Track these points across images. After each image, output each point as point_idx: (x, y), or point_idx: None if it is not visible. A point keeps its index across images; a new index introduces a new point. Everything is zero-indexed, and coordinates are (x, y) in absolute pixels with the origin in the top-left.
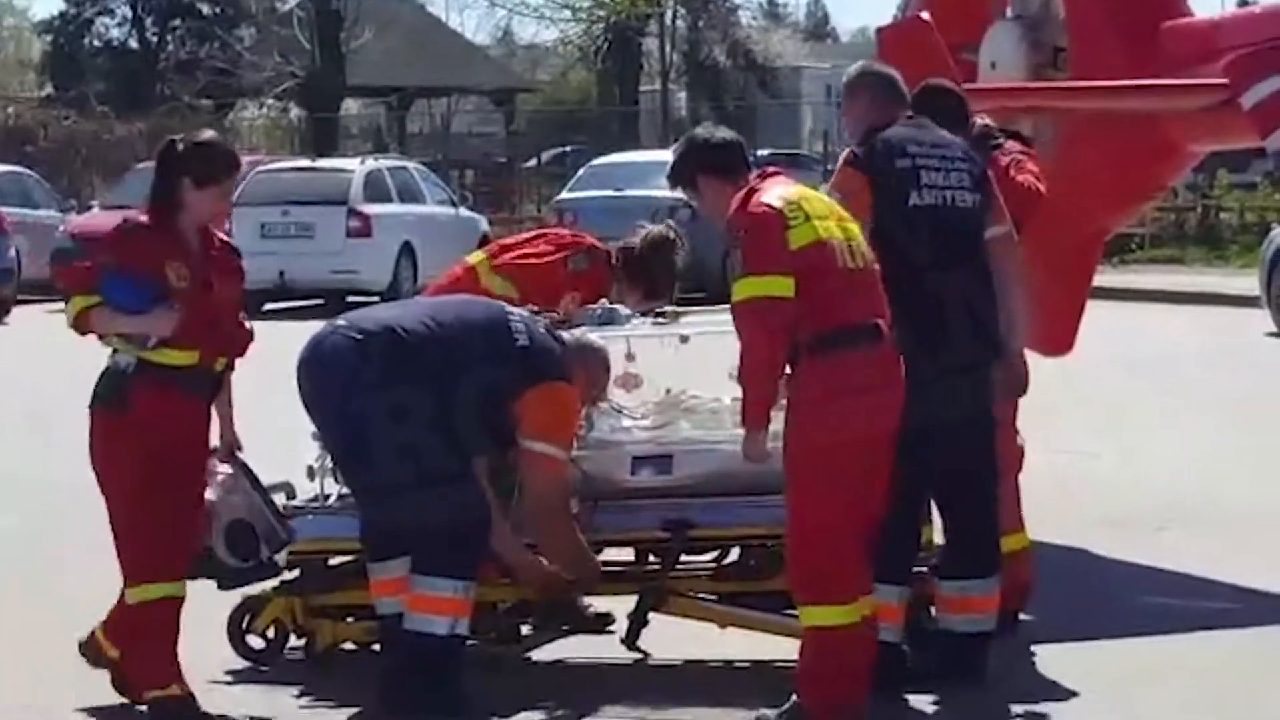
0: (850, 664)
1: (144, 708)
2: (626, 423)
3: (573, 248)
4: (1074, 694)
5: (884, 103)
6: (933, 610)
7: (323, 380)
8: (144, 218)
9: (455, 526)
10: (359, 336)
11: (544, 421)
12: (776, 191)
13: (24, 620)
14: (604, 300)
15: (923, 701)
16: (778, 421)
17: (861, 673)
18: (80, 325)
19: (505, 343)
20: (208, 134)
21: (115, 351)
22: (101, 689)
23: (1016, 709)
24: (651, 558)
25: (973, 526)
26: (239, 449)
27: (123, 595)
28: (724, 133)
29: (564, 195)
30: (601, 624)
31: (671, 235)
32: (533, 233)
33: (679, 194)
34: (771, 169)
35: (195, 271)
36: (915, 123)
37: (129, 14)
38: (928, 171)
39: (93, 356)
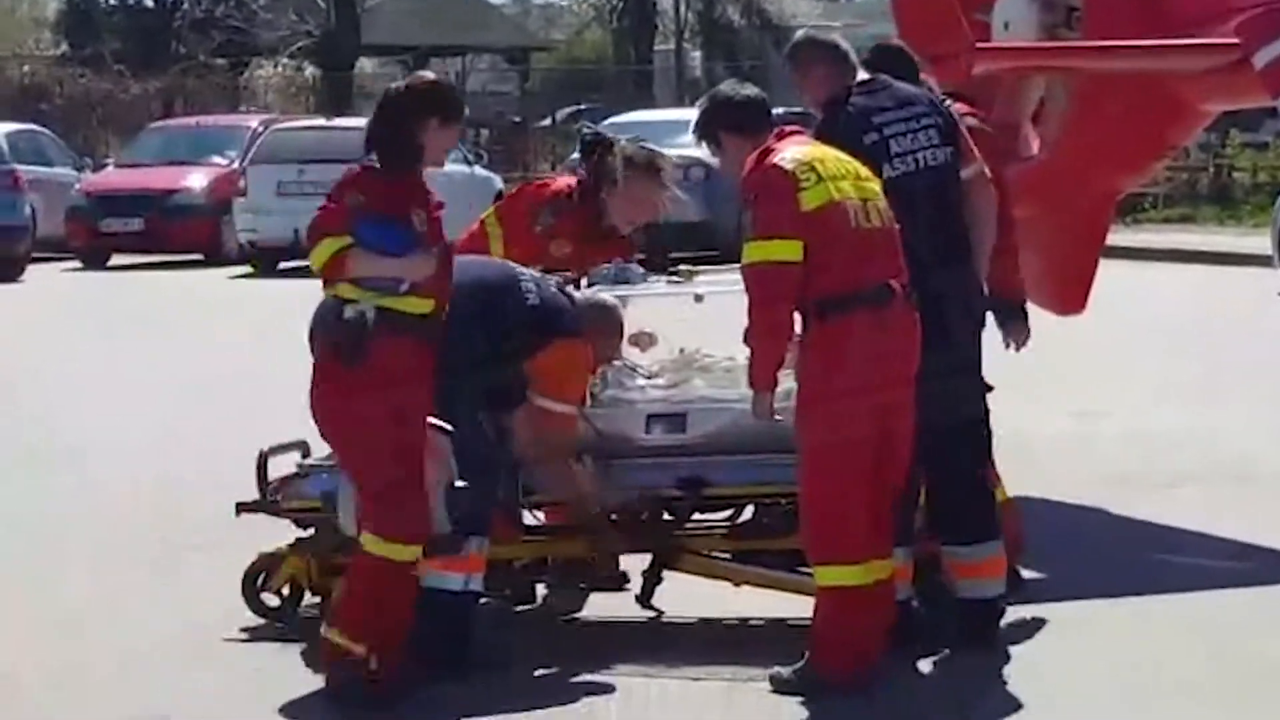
0: (861, 625)
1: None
2: (641, 381)
3: (536, 204)
4: (1081, 652)
5: (839, 70)
6: (941, 574)
7: None
8: (378, 163)
9: (468, 483)
10: None
11: (555, 378)
12: (790, 153)
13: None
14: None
15: (930, 662)
16: (791, 381)
17: (873, 634)
18: (333, 269)
19: (517, 301)
20: (429, 74)
21: (346, 301)
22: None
23: (1024, 669)
24: (665, 516)
25: (969, 492)
26: None
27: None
28: (748, 90)
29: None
30: (617, 582)
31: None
32: (515, 190)
33: (693, 153)
34: (790, 128)
35: (430, 216)
36: (874, 85)
37: None
38: (897, 139)
39: (106, 312)
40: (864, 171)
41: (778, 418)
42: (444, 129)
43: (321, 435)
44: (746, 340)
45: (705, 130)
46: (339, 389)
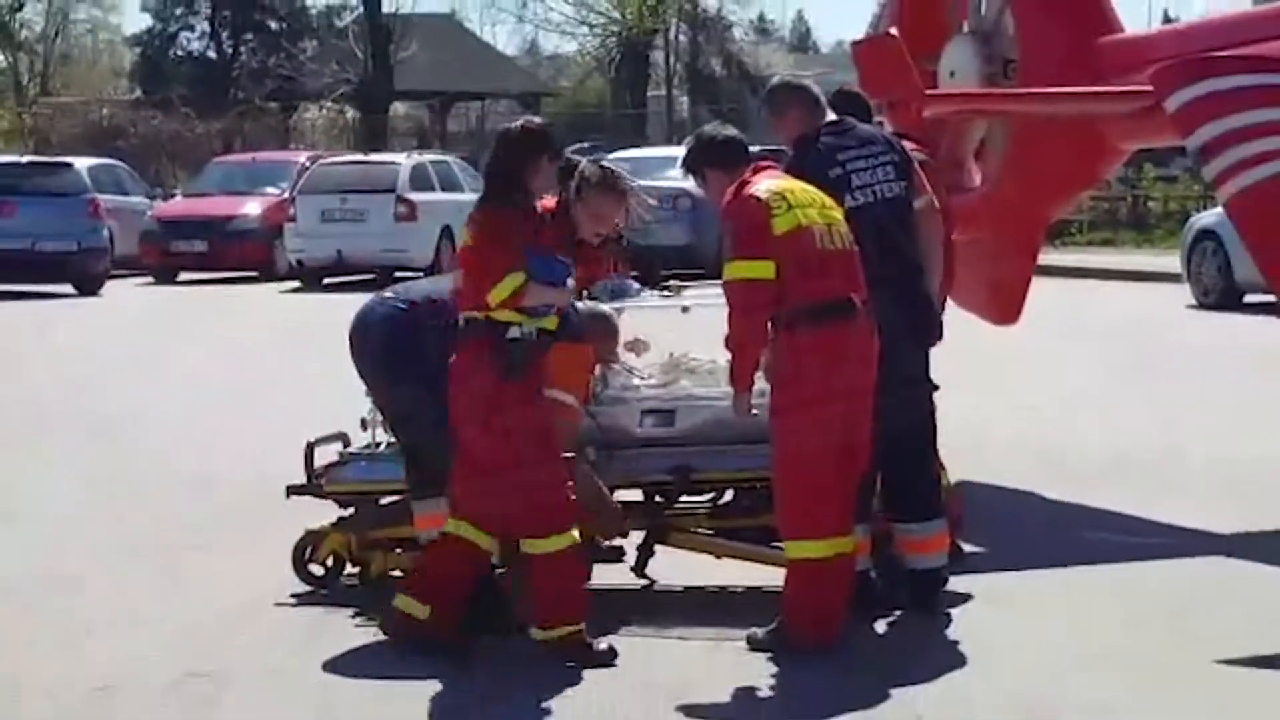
0: (826, 592)
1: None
2: (636, 381)
3: None
4: (1016, 617)
5: (810, 113)
6: (893, 548)
7: (371, 346)
8: (502, 199)
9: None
10: (403, 306)
11: (560, 374)
12: (764, 185)
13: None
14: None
15: (883, 624)
16: (764, 382)
17: (836, 600)
18: (511, 300)
19: None
20: (535, 119)
21: (509, 326)
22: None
23: (965, 631)
24: (657, 498)
25: (918, 478)
26: None
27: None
28: (728, 131)
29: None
30: (614, 555)
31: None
32: None
33: (681, 184)
34: (765, 163)
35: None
36: (840, 126)
37: (208, 29)
38: (858, 174)
39: (173, 321)
40: (828, 201)
41: (754, 413)
42: (550, 165)
43: (459, 436)
44: (727, 345)
45: (691, 165)
46: (511, 400)
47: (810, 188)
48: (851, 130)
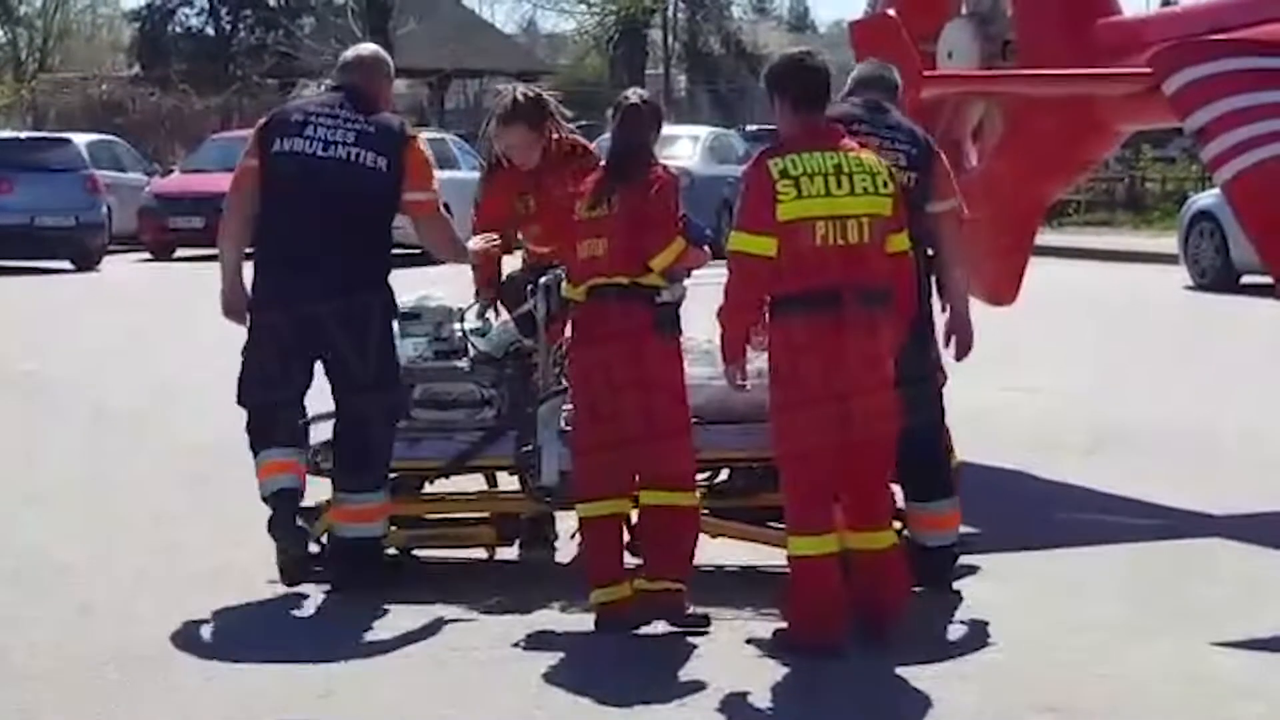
0: (821, 590)
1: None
2: None
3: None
4: (1010, 595)
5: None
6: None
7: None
8: (631, 168)
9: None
10: None
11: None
12: (782, 163)
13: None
14: None
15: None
16: (761, 360)
17: (832, 598)
18: (675, 265)
19: None
20: (643, 91)
21: (660, 289)
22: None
23: (961, 611)
24: None
25: (928, 457)
26: None
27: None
28: (813, 61)
29: None
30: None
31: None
32: None
33: (679, 163)
34: (837, 127)
35: None
36: (868, 104)
37: (206, 4)
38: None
39: (170, 296)
40: (869, 185)
41: (745, 385)
42: (657, 138)
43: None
44: (719, 316)
45: (767, 79)
46: (674, 354)
47: (848, 171)
48: (884, 111)
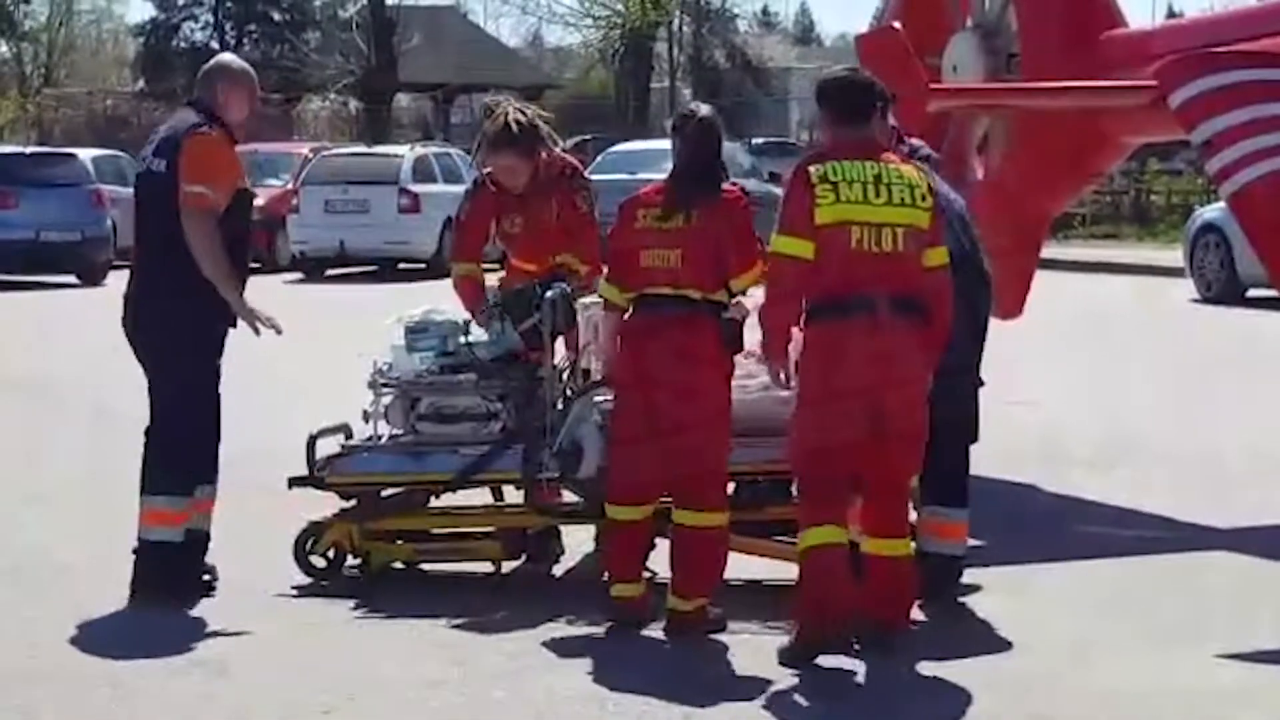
0: (827, 576)
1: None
2: None
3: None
4: (1015, 606)
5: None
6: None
7: None
8: (714, 179)
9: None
10: None
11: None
12: (823, 169)
13: None
14: None
15: None
16: (765, 374)
17: (837, 586)
18: (751, 287)
19: None
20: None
21: (726, 305)
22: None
23: (971, 623)
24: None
25: (953, 465)
26: None
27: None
28: (858, 77)
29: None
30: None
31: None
32: None
33: None
34: (879, 140)
35: None
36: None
37: (211, 19)
38: None
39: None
40: (908, 196)
41: (790, 385)
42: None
43: (675, 412)
44: (759, 319)
45: (818, 94)
46: (718, 371)
47: (888, 181)
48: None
